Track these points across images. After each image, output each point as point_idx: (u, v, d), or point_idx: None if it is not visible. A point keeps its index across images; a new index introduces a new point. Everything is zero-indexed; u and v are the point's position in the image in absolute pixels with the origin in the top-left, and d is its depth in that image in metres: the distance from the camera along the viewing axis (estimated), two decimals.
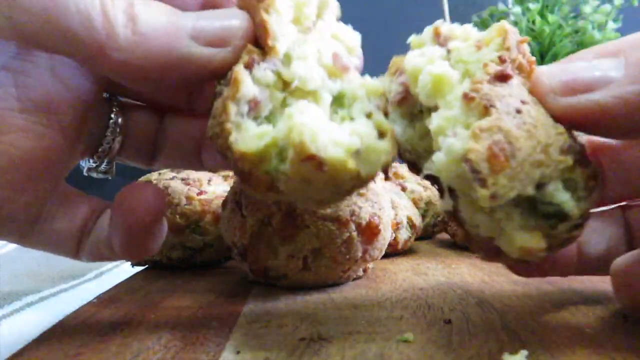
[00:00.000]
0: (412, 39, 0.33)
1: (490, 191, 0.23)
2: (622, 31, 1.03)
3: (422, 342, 0.29)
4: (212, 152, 0.35)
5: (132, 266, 0.56)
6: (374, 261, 0.45)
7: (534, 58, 0.30)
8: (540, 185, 0.25)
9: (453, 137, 0.25)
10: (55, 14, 0.24)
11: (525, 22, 1.02)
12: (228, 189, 0.51)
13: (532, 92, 0.27)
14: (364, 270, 0.47)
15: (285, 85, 0.28)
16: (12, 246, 0.79)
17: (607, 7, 1.01)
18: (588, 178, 0.26)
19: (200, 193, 0.53)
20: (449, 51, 0.30)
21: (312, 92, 0.28)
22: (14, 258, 0.72)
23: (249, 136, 0.26)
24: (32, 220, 0.31)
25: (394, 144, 0.28)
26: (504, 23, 0.30)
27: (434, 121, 0.27)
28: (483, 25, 1.11)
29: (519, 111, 0.26)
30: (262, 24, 0.27)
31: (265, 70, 0.27)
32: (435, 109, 0.28)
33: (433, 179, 0.28)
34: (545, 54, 1.00)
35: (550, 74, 0.27)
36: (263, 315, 0.35)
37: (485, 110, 0.25)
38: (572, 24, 1.00)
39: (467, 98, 0.26)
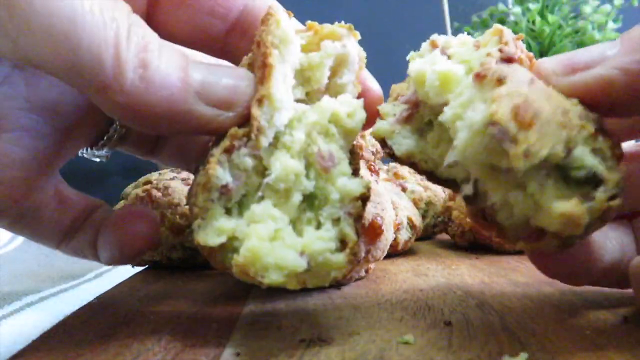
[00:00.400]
0: (411, 55, 0.34)
1: (522, 147, 0.24)
2: (622, 31, 1.03)
3: (422, 343, 0.29)
4: None
5: (132, 267, 0.56)
6: (376, 261, 0.45)
7: (531, 53, 0.30)
8: (568, 151, 0.25)
9: (472, 112, 0.26)
10: (65, 47, 0.23)
11: (525, 22, 1.02)
12: None
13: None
14: (366, 271, 0.47)
15: (264, 169, 0.28)
16: (12, 246, 0.79)
17: (607, 7, 1.01)
18: (613, 146, 0.26)
19: None
20: (449, 56, 0.31)
21: (281, 192, 0.28)
22: (14, 258, 0.72)
23: (211, 228, 0.27)
24: (23, 211, 0.31)
25: (351, 257, 0.28)
26: (498, 25, 0.31)
27: (447, 112, 0.28)
28: (483, 25, 1.11)
29: (532, 82, 0.27)
30: (251, 118, 0.27)
31: (244, 157, 0.28)
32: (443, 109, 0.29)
33: (451, 182, 0.31)
34: (545, 54, 1.00)
35: (550, 60, 0.29)
36: (263, 316, 0.35)
37: (500, 82, 0.26)
38: (572, 24, 1.01)
39: (479, 77, 0.27)
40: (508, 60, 0.28)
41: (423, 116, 0.33)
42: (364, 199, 0.29)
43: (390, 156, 0.33)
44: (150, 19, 0.31)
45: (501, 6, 1.07)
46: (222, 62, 0.31)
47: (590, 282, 0.34)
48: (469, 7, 1.54)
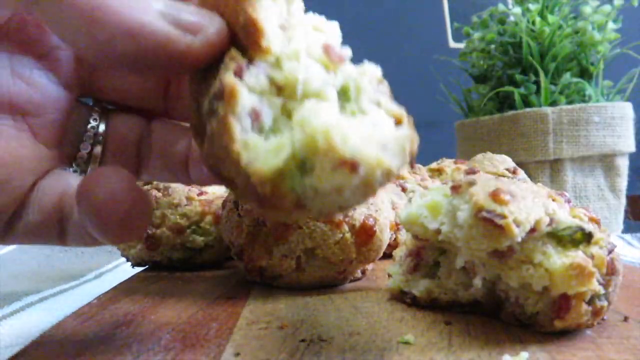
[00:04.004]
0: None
1: (511, 218, 0.29)
2: (622, 32, 1.03)
3: (422, 343, 0.29)
4: (199, 165, 0.33)
5: (133, 267, 0.56)
6: (372, 262, 0.45)
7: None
8: (551, 219, 0.30)
9: (461, 213, 0.31)
10: None
11: (525, 23, 1.01)
12: None
13: None
14: (363, 272, 0.47)
15: (279, 90, 0.24)
16: (12, 247, 0.79)
17: (607, 7, 1.01)
18: (587, 213, 0.32)
19: (200, 193, 0.53)
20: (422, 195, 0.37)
21: (316, 92, 0.24)
22: (14, 258, 0.72)
23: (262, 154, 0.22)
24: (8, 221, 0.29)
25: (413, 129, 0.25)
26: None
27: (445, 229, 0.33)
28: (483, 25, 1.11)
29: (497, 178, 0.34)
30: (250, 22, 0.24)
31: (258, 76, 0.24)
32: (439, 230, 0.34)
33: (475, 303, 0.35)
34: (545, 54, 1.00)
35: None
36: (263, 316, 0.35)
37: (471, 184, 0.32)
38: (572, 24, 1.00)
39: (455, 188, 0.33)
40: (471, 172, 0.36)
41: (428, 261, 0.37)
42: (383, 80, 0.27)
43: (412, 300, 0.37)
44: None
45: (501, 6, 1.07)
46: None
47: None
48: (469, 7, 1.54)
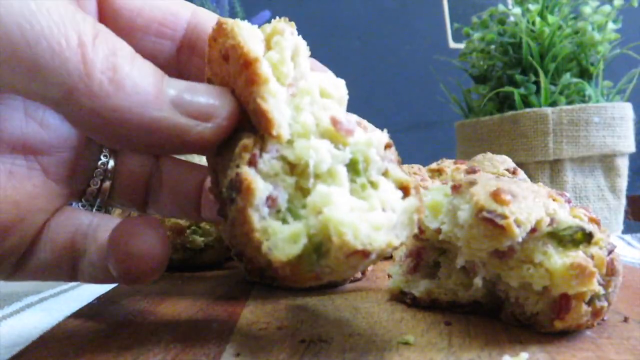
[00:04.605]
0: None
1: (512, 218, 0.29)
2: (622, 32, 1.03)
3: (422, 344, 0.29)
4: (211, 202, 0.33)
5: None
6: (372, 263, 0.45)
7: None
8: (552, 219, 0.30)
9: (461, 212, 0.31)
10: (24, 46, 0.22)
11: (525, 23, 1.01)
12: None
13: None
14: (363, 272, 0.47)
15: (291, 167, 0.26)
16: None
17: (606, 8, 1.01)
18: (587, 213, 0.32)
19: None
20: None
21: (327, 173, 0.26)
22: None
23: (282, 242, 0.24)
24: (20, 259, 0.29)
25: (419, 194, 0.27)
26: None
27: (445, 228, 0.33)
28: (483, 26, 1.11)
29: (497, 178, 0.34)
30: (260, 113, 0.25)
31: (270, 161, 0.25)
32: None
33: (474, 304, 0.35)
34: (545, 54, 1.00)
35: None
36: (263, 317, 0.35)
37: (472, 184, 0.32)
38: (572, 24, 1.00)
39: (455, 188, 0.33)
40: (472, 171, 0.35)
41: (428, 261, 0.38)
42: (391, 145, 0.28)
43: (412, 301, 0.37)
44: None
45: (501, 7, 1.07)
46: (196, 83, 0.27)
47: None
48: (469, 8, 1.54)
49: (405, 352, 0.28)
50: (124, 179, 0.34)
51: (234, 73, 0.26)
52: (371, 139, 0.27)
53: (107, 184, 0.33)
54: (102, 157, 0.33)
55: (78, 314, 0.37)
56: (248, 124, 0.26)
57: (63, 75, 0.22)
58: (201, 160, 0.48)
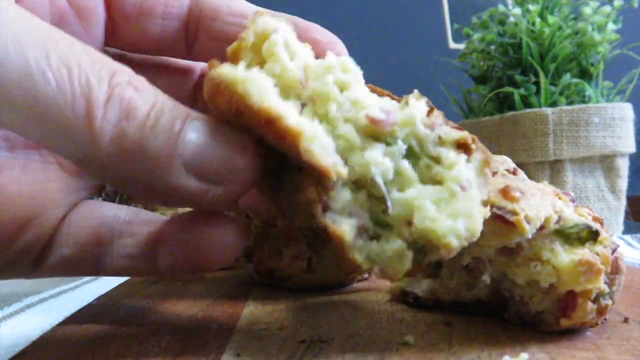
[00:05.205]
0: None
1: (522, 215, 0.29)
2: (622, 32, 1.03)
3: (422, 344, 0.29)
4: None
5: None
6: None
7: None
8: (559, 217, 0.30)
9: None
10: (28, 109, 0.20)
11: (525, 24, 1.02)
12: None
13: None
14: (369, 272, 0.47)
15: (356, 182, 0.25)
16: None
17: (607, 8, 1.01)
18: (591, 212, 0.32)
19: None
20: None
21: (394, 178, 0.25)
22: None
23: (389, 262, 0.24)
24: (39, 255, 0.29)
25: (478, 144, 0.26)
26: None
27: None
28: (483, 26, 1.11)
29: (503, 175, 0.35)
30: (312, 167, 0.23)
31: (341, 194, 0.24)
32: None
33: (477, 303, 0.34)
34: (545, 55, 1.00)
35: None
36: (263, 317, 0.35)
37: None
38: (572, 25, 1.00)
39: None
40: None
41: (429, 263, 0.36)
42: (433, 109, 0.27)
43: (415, 301, 0.37)
44: (111, 38, 0.30)
45: (501, 7, 1.07)
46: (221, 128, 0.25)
47: None
48: (469, 8, 1.54)
49: (406, 353, 0.28)
50: None
51: (257, 124, 0.23)
52: (413, 115, 0.26)
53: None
54: None
55: (78, 315, 0.37)
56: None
57: (71, 148, 0.22)
58: None
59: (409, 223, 0.24)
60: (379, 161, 0.24)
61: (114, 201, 0.32)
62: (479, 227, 0.24)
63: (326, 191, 0.24)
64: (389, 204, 0.25)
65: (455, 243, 0.24)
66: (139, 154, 0.22)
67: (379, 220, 0.25)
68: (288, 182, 0.25)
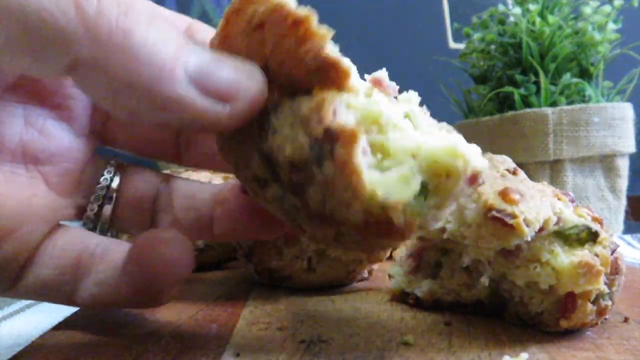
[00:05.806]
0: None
1: (521, 217, 0.29)
2: (622, 32, 1.03)
3: (422, 344, 0.29)
4: (224, 218, 0.32)
5: None
6: (380, 262, 0.45)
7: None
8: (558, 218, 0.30)
9: (468, 211, 0.31)
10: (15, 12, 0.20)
11: (525, 23, 1.01)
12: None
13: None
14: (369, 272, 0.47)
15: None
16: None
17: (607, 8, 1.01)
18: (590, 212, 0.32)
19: None
20: None
21: (396, 123, 0.24)
22: None
23: (394, 186, 0.22)
24: (19, 271, 0.28)
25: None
26: None
27: (450, 227, 0.33)
28: (483, 26, 1.11)
29: (503, 176, 0.35)
30: (330, 65, 0.23)
31: (348, 115, 0.23)
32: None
33: (477, 303, 0.34)
34: (545, 55, 1.00)
35: None
36: (263, 317, 0.35)
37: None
38: (572, 25, 1.00)
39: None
40: None
41: (429, 262, 0.37)
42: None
43: (415, 301, 0.37)
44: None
45: (501, 7, 1.07)
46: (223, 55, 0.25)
47: None
48: (469, 8, 1.54)
49: (406, 353, 0.28)
50: (129, 196, 0.32)
51: (276, 39, 0.24)
52: (409, 97, 0.27)
53: (108, 207, 0.32)
54: (105, 173, 0.32)
55: (78, 315, 0.37)
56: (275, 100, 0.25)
57: (63, 47, 0.21)
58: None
59: (416, 155, 0.23)
60: (386, 105, 0.24)
61: (95, 225, 0.32)
62: (485, 164, 0.24)
63: (341, 93, 0.23)
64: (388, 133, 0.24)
65: (471, 163, 0.23)
66: (144, 56, 0.21)
67: (384, 149, 0.24)
68: (260, 121, 0.25)
